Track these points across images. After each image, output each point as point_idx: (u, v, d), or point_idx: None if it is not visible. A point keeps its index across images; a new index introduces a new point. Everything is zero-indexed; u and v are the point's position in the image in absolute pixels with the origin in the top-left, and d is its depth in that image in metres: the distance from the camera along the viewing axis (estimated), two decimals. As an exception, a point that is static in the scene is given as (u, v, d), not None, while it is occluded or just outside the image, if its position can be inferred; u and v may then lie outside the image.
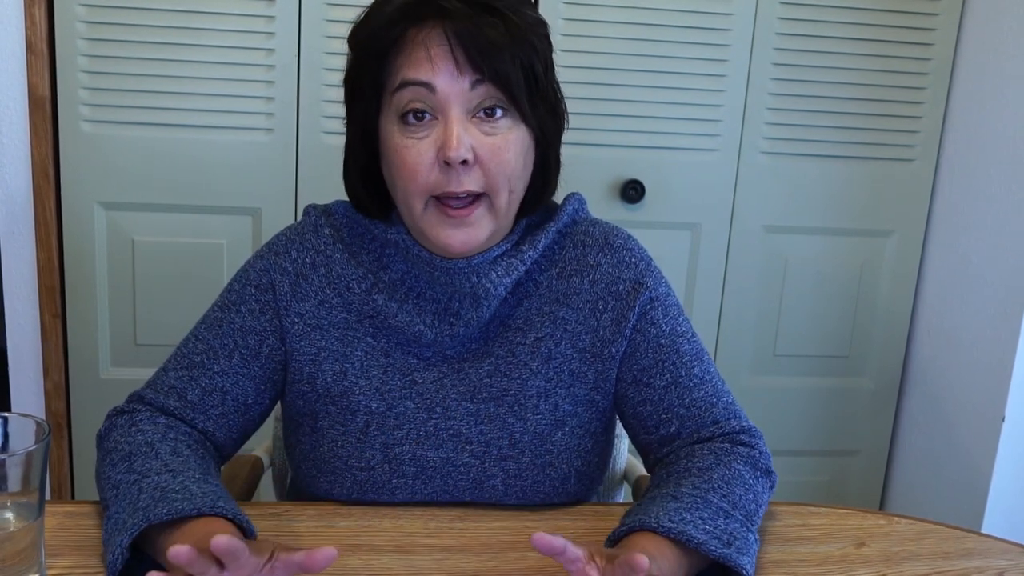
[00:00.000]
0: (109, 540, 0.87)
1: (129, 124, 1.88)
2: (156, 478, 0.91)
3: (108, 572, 0.84)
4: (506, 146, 0.94)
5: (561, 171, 1.05)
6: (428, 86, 0.92)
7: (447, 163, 0.92)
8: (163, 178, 1.91)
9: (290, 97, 1.91)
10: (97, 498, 0.99)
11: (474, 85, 0.92)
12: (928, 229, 2.17)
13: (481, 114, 0.94)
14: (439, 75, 0.92)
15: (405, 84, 0.93)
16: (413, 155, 0.94)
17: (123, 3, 1.82)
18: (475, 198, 0.95)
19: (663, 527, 0.87)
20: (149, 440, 0.97)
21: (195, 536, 0.83)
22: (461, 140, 0.92)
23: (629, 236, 1.08)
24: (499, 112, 0.94)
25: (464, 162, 0.92)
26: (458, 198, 0.94)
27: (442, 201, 0.95)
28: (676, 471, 0.98)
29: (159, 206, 1.93)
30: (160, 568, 0.84)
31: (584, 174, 2.00)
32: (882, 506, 2.32)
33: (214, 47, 1.87)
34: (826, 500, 2.25)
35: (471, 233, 0.96)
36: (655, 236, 2.01)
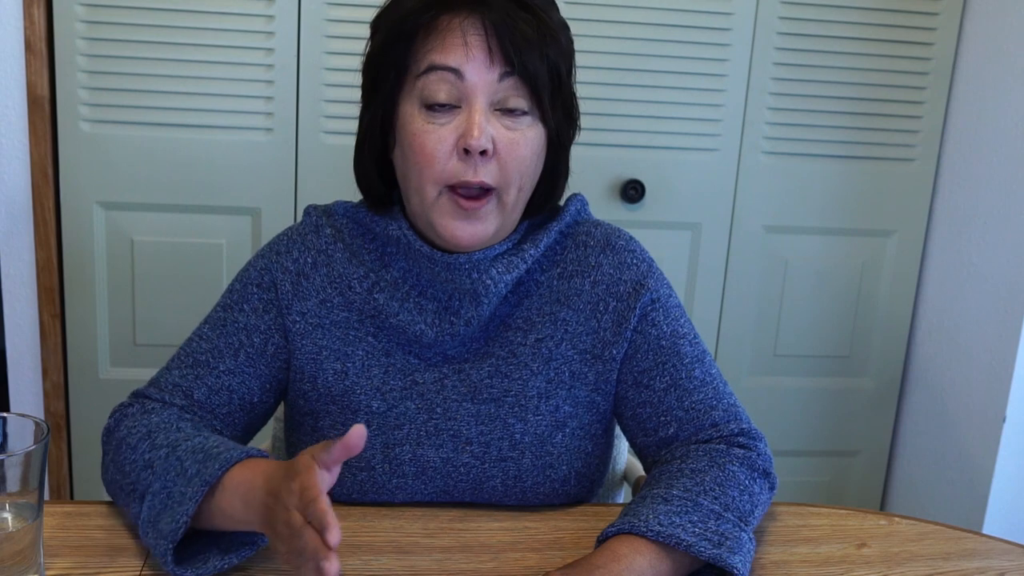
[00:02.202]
0: (162, 514, 0.85)
1: (128, 124, 1.88)
2: (188, 444, 0.90)
3: (168, 541, 0.83)
4: (524, 142, 0.95)
5: (568, 177, 1.05)
6: (457, 72, 0.92)
7: (466, 151, 0.93)
8: (163, 178, 1.91)
9: (290, 97, 1.91)
10: (96, 499, 0.99)
11: (502, 77, 0.93)
12: (928, 229, 2.17)
13: (504, 108, 0.95)
14: (471, 63, 0.92)
15: (433, 68, 0.93)
16: (433, 140, 0.94)
17: (123, 3, 1.82)
18: (486, 191, 0.95)
19: (651, 531, 0.87)
20: (166, 420, 0.96)
21: (248, 473, 0.83)
22: (484, 130, 0.92)
23: (631, 238, 1.08)
24: (522, 108, 0.95)
25: (484, 152, 0.93)
26: (471, 189, 0.94)
27: (454, 191, 0.95)
28: (669, 471, 0.98)
29: (159, 206, 1.93)
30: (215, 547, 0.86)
31: (584, 174, 1.99)
32: (883, 506, 2.32)
33: (214, 47, 1.87)
34: (826, 500, 2.25)
35: (480, 227, 0.96)
36: (655, 236, 2.02)
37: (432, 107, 0.94)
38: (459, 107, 0.94)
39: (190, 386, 1.02)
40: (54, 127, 1.87)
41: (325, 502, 0.72)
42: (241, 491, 0.84)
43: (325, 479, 0.75)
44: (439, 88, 0.93)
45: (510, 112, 0.95)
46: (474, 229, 0.96)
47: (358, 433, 0.73)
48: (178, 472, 0.87)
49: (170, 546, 0.83)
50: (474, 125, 0.92)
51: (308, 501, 0.73)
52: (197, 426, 0.97)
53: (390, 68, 0.96)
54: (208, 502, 0.86)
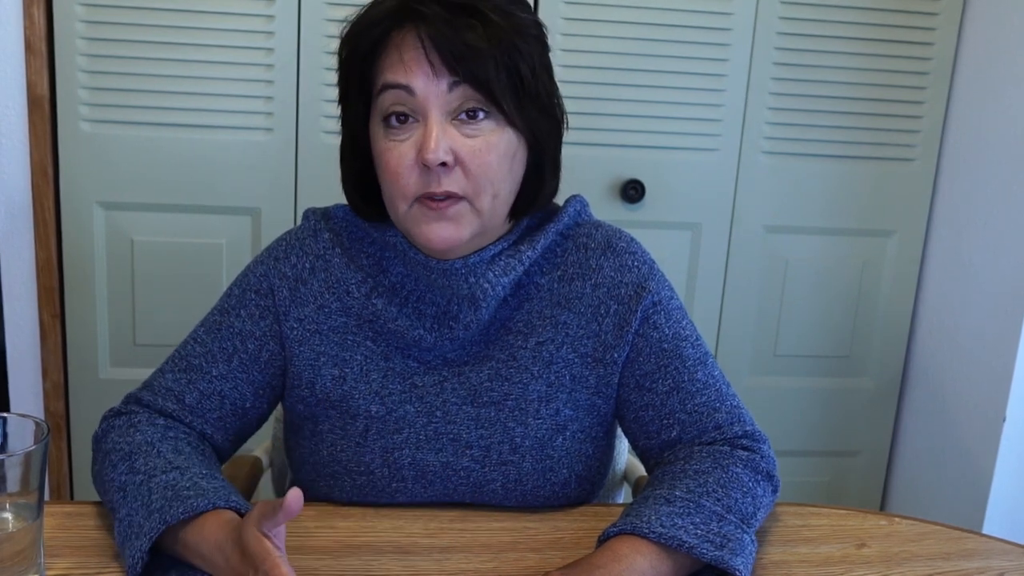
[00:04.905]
0: (125, 544, 0.87)
1: (128, 124, 1.88)
2: (163, 477, 0.91)
3: (130, 573, 0.85)
4: (488, 148, 0.94)
5: (559, 174, 1.04)
6: (407, 89, 0.92)
7: (426, 165, 0.92)
8: (163, 178, 1.91)
9: (290, 97, 1.91)
10: (96, 499, 0.99)
11: (451, 87, 0.92)
12: (928, 229, 2.17)
13: (463, 116, 0.93)
14: (415, 78, 0.92)
15: (386, 87, 0.93)
16: (395, 157, 0.94)
17: (123, 3, 1.82)
18: (453, 196, 0.94)
19: (654, 532, 0.87)
20: (149, 440, 0.97)
21: (212, 529, 0.85)
22: (439, 142, 0.91)
23: (632, 239, 1.07)
24: (481, 114, 0.94)
25: (444, 164, 0.92)
26: (437, 198, 0.94)
27: (423, 200, 0.94)
28: (672, 472, 0.98)
29: (159, 206, 1.93)
30: (179, 564, 0.87)
31: (584, 174, 1.99)
32: (883, 506, 2.32)
33: (214, 47, 1.87)
34: (827, 500, 2.25)
35: (452, 229, 0.95)
36: (655, 236, 2.02)
37: (392, 124, 0.94)
38: (419, 121, 0.93)
39: (182, 390, 1.02)
40: (54, 127, 1.87)
41: None
42: (202, 549, 0.86)
43: (281, 535, 0.81)
44: (395, 106, 0.93)
45: (470, 120, 0.93)
46: (446, 232, 0.95)
47: (295, 497, 0.77)
48: (144, 503, 0.89)
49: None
50: (429, 138, 0.91)
51: None
52: (178, 446, 0.97)
53: (353, 87, 0.97)
54: (176, 539, 0.87)
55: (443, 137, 0.92)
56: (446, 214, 0.94)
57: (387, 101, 0.94)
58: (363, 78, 0.96)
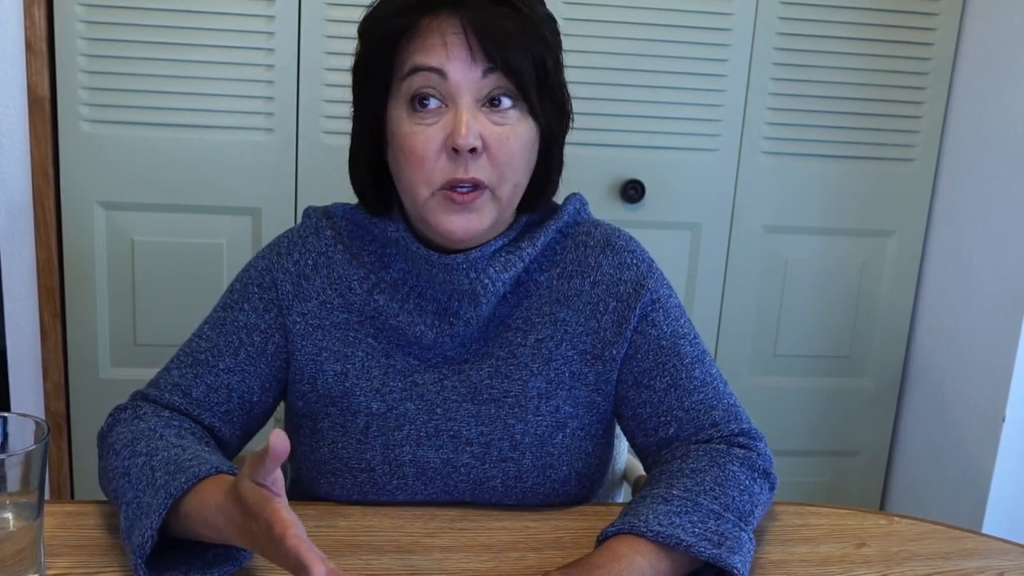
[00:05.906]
0: (135, 526, 0.85)
1: (129, 124, 1.88)
2: (165, 453, 0.90)
3: (137, 556, 0.82)
4: (514, 136, 0.95)
5: (562, 171, 1.05)
6: (440, 72, 0.92)
7: (455, 150, 0.92)
8: (163, 178, 1.91)
9: (290, 97, 1.91)
10: (96, 498, 1.00)
11: (486, 74, 0.93)
12: (928, 229, 2.17)
13: (490, 104, 0.94)
14: (452, 62, 0.92)
15: (416, 69, 0.93)
16: (421, 141, 0.94)
17: (123, 3, 1.82)
18: (478, 187, 0.95)
19: (651, 531, 0.87)
20: (152, 426, 0.96)
21: (211, 492, 0.82)
22: (471, 128, 0.92)
23: (631, 238, 1.08)
24: (508, 102, 0.95)
25: (473, 150, 0.92)
26: (463, 186, 0.94)
27: (447, 190, 0.95)
28: (670, 471, 0.98)
29: (159, 206, 1.93)
30: (182, 564, 0.85)
31: (584, 174, 1.99)
32: (882, 506, 2.32)
33: (214, 47, 1.87)
34: (826, 500, 2.25)
35: (474, 219, 0.96)
36: (655, 236, 2.01)
37: (418, 108, 0.94)
38: (446, 106, 0.94)
39: (189, 385, 1.02)
40: (54, 127, 1.87)
41: (294, 539, 0.70)
42: (204, 514, 0.83)
43: (278, 482, 0.75)
44: (424, 89, 0.93)
45: (497, 108, 0.94)
46: (468, 223, 0.95)
47: (279, 439, 0.72)
48: (148, 482, 0.87)
49: (140, 560, 0.83)
50: (461, 123, 0.92)
51: (278, 540, 0.71)
52: (182, 433, 0.97)
53: (376, 72, 0.97)
54: (179, 513, 0.85)
55: (474, 123, 0.92)
56: (471, 206, 0.95)
57: (415, 84, 0.93)
58: (387, 63, 0.96)
